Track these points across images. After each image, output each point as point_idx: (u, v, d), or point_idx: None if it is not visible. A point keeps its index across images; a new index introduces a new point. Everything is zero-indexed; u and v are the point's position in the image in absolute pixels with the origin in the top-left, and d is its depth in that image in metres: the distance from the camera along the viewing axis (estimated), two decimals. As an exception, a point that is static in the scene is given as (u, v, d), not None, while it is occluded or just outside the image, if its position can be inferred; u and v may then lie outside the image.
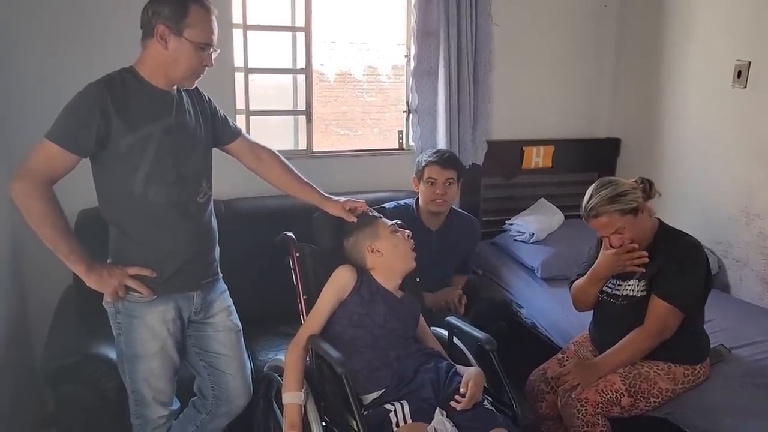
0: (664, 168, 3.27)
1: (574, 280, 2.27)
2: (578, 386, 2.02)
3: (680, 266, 2.01)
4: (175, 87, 1.74)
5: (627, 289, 2.11)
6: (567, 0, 3.46)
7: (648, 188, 2.06)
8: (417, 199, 2.64)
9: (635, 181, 2.06)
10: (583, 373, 2.05)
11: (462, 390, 1.75)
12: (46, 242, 1.62)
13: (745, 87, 2.81)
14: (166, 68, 1.67)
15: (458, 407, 1.72)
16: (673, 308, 1.99)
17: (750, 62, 2.78)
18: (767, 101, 2.73)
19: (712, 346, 2.17)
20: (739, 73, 2.82)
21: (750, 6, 2.80)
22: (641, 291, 2.07)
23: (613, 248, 2.06)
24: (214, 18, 1.69)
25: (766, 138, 2.75)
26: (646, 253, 2.04)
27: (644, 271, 2.06)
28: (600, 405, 1.97)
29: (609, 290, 2.16)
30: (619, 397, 1.98)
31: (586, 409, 1.97)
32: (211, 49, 1.70)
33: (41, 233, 1.61)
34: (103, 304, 1.80)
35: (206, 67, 1.72)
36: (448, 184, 2.53)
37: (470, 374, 1.80)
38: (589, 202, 2.04)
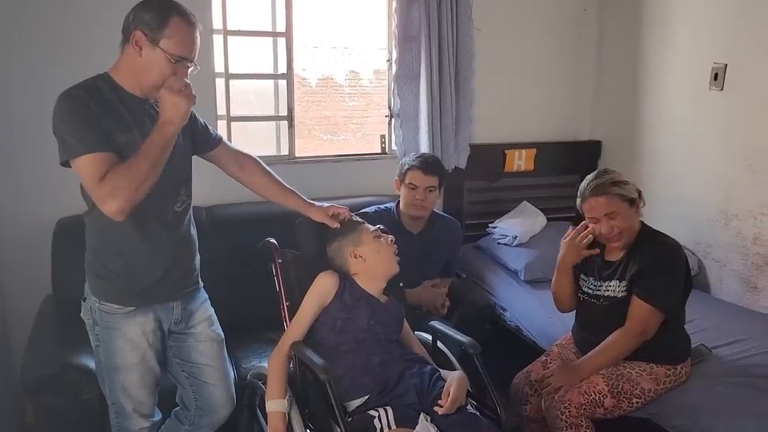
0: (644, 169, 3.30)
1: None
2: (561, 388, 2.03)
3: (660, 267, 2.03)
4: (147, 97, 1.70)
5: (608, 290, 2.13)
6: (547, 4, 3.49)
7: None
8: (398, 203, 2.64)
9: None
10: (566, 375, 2.06)
11: (444, 395, 1.75)
12: (160, 163, 1.58)
13: (722, 89, 2.85)
14: (137, 75, 1.63)
15: (440, 411, 1.72)
16: (654, 309, 2.01)
17: (726, 65, 2.82)
18: (743, 103, 2.78)
19: (693, 345, 2.19)
20: (716, 76, 2.86)
21: (725, 10, 2.85)
22: (622, 291, 2.09)
23: (603, 235, 2.08)
24: (197, 34, 1.65)
25: (742, 139, 2.80)
26: (590, 229, 2.09)
27: (598, 252, 2.12)
28: (583, 407, 1.98)
29: (590, 291, 2.18)
30: (602, 399, 2.00)
31: (569, 411, 1.98)
32: (190, 65, 1.65)
33: (154, 165, 1.56)
34: (81, 315, 1.78)
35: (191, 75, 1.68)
36: (428, 190, 2.53)
37: (453, 378, 1.80)
38: (594, 182, 2.07)
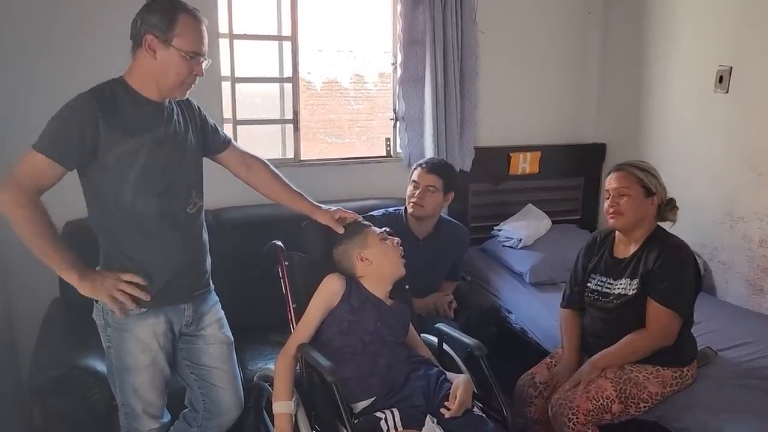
0: (650, 172, 3.30)
1: (565, 306, 2.32)
2: (580, 384, 2.03)
3: (675, 269, 2.04)
4: (165, 98, 1.73)
5: (619, 287, 2.13)
6: (551, 7, 3.50)
7: (665, 205, 2.13)
8: (406, 207, 2.64)
9: (667, 194, 2.15)
10: (584, 368, 2.07)
11: (451, 398, 1.75)
12: (35, 252, 1.60)
13: (727, 92, 2.85)
14: (155, 78, 1.66)
15: (447, 415, 1.72)
16: (674, 313, 2.02)
17: (731, 67, 2.82)
18: (748, 105, 2.78)
19: (699, 348, 2.19)
20: (721, 78, 2.86)
21: (731, 12, 2.85)
22: (633, 290, 2.09)
23: (606, 210, 2.14)
24: (204, 28, 1.68)
25: (747, 141, 2.80)
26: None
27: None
28: (591, 413, 1.97)
29: (599, 288, 2.18)
30: (610, 404, 1.99)
31: (577, 418, 1.96)
32: (202, 59, 1.69)
33: (30, 243, 1.59)
34: (93, 316, 1.79)
35: (197, 77, 1.71)
36: (430, 190, 2.53)
37: (459, 381, 1.80)
38: (627, 160, 2.17)
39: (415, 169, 2.60)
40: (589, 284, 2.22)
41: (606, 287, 2.16)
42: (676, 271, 2.04)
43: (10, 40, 2.50)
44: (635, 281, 2.09)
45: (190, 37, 1.64)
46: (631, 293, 2.09)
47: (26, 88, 2.52)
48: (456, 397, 1.74)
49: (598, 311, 2.19)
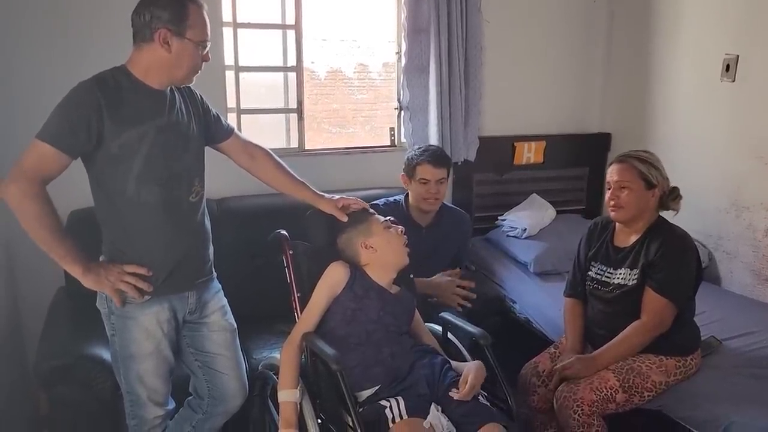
0: (655, 162, 3.29)
1: (569, 294, 2.32)
2: (572, 377, 2.03)
3: (674, 259, 2.03)
4: (168, 87, 1.74)
5: (618, 277, 2.13)
6: (556, -4, 3.48)
7: (668, 195, 2.12)
8: (406, 196, 2.64)
9: (669, 184, 2.13)
10: (582, 364, 2.06)
11: (462, 383, 1.76)
12: (40, 244, 1.61)
13: (734, 81, 2.83)
14: (168, 69, 1.68)
15: (456, 396, 1.73)
16: (668, 302, 2.02)
17: (738, 56, 2.80)
18: (755, 94, 2.76)
19: (703, 337, 2.19)
20: (728, 67, 2.84)
21: (737, 0, 2.82)
22: (633, 279, 2.09)
23: (607, 202, 2.14)
24: (205, 13, 1.71)
25: (754, 131, 2.78)
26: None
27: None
28: (595, 404, 1.97)
29: (598, 277, 2.18)
30: (613, 394, 1.99)
31: (582, 410, 1.97)
32: (208, 44, 1.71)
33: (36, 235, 1.60)
34: (97, 305, 1.79)
35: (204, 63, 1.73)
36: (440, 182, 2.53)
37: (471, 367, 1.81)
38: (629, 151, 2.16)
39: (416, 165, 2.52)
40: (589, 272, 2.23)
41: (606, 276, 2.16)
42: (677, 262, 2.04)
43: (11, 35, 2.50)
44: (635, 271, 2.09)
45: (200, 25, 1.67)
46: (631, 284, 2.09)
47: (28, 81, 2.52)
48: (467, 381, 1.75)
49: (598, 301, 2.19)
